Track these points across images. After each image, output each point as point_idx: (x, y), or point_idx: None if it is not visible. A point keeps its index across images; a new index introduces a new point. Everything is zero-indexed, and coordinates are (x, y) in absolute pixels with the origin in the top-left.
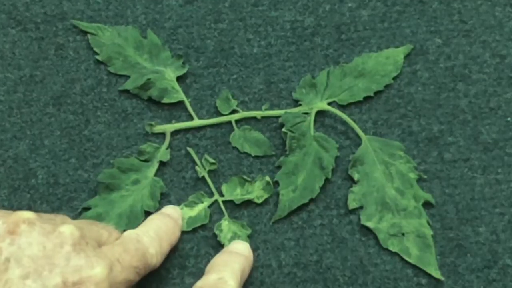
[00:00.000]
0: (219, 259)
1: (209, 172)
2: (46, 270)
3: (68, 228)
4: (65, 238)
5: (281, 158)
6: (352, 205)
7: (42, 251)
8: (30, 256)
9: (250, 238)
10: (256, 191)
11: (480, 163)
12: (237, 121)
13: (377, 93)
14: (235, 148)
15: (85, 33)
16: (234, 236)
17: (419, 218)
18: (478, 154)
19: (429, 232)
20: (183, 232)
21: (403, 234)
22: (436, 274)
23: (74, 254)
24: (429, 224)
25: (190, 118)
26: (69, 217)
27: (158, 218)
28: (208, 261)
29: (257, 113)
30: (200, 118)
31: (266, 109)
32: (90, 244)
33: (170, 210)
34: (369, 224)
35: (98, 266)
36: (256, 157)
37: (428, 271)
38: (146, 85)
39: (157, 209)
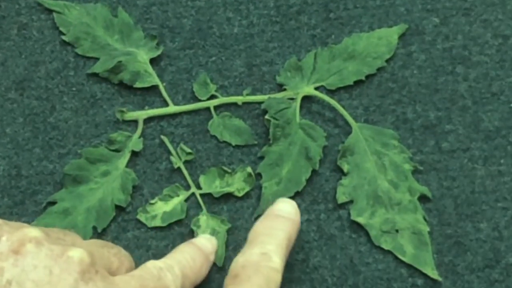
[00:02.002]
0: (262, 226)
1: (186, 162)
2: None
3: (77, 252)
4: (74, 264)
5: (264, 148)
6: (341, 199)
7: (48, 276)
8: (35, 281)
9: (230, 235)
10: (237, 184)
11: (481, 153)
12: (216, 108)
13: (369, 76)
14: (213, 136)
15: (50, 11)
16: (213, 233)
17: (414, 213)
18: (478, 143)
19: (425, 228)
20: (156, 229)
21: (397, 231)
22: (433, 274)
23: (82, 284)
24: (425, 219)
25: (165, 104)
26: (79, 236)
27: (188, 251)
28: None
29: (238, 99)
30: (175, 104)
31: (247, 94)
32: (100, 273)
33: (204, 241)
34: (360, 220)
35: None
36: (237, 146)
37: (424, 271)
38: (117, 68)
39: (129, 204)
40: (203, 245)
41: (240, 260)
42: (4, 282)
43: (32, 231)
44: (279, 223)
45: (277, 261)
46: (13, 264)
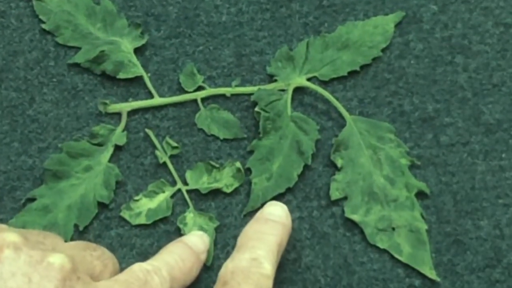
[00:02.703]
0: (252, 230)
1: (171, 157)
2: None
3: (58, 258)
4: (54, 271)
5: (254, 142)
6: (335, 195)
7: (27, 284)
8: None
9: (219, 233)
10: (225, 179)
11: (481, 147)
12: (203, 99)
13: (364, 67)
14: (201, 130)
15: None
16: (200, 231)
17: (411, 210)
18: (479, 137)
19: (423, 226)
20: (141, 227)
21: (393, 229)
22: (431, 274)
23: None
24: (423, 217)
25: (150, 95)
26: (60, 238)
27: (176, 251)
28: None
29: (226, 90)
30: (161, 96)
31: (236, 86)
32: (81, 280)
33: (195, 240)
34: (355, 217)
35: None
36: (225, 140)
37: (422, 270)
38: (99, 58)
39: (112, 200)
40: (194, 244)
41: (229, 266)
42: None
43: (10, 236)
44: (269, 228)
45: (267, 267)
46: None
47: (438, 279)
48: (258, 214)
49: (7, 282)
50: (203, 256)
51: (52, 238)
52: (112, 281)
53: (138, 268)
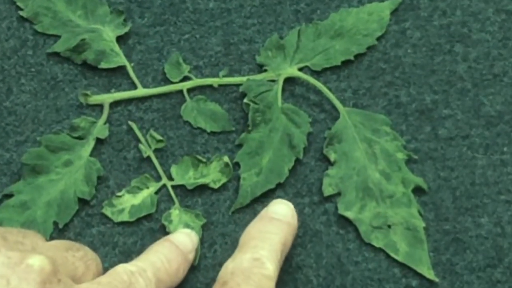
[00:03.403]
0: (255, 229)
1: (156, 151)
2: None
3: (38, 260)
4: (34, 274)
5: (243, 135)
6: (327, 191)
7: (5, 287)
8: None
9: (206, 231)
10: (212, 174)
11: (482, 141)
12: (189, 90)
13: (358, 56)
14: (187, 122)
15: None
16: (187, 228)
17: (408, 207)
18: (479, 130)
19: (420, 224)
20: (124, 224)
21: (389, 226)
22: (429, 274)
23: None
24: (420, 214)
25: (133, 86)
26: (41, 237)
27: (163, 251)
28: None
29: (214, 81)
30: (144, 86)
31: (224, 76)
32: (62, 282)
33: (182, 238)
34: (348, 214)
35: None
36: (212, 133)
37: (419, 270)
38: (80, 47)
39: (93, 196)
40: (181, 243)
41: (229, 266)
42: None
43: None
44: (273, 226)
45: (270, 268)
46: None
47: (437, 279)
48: (263, 212)
49: None
50: (191, 256)
51: (32, 237)
52: (95, 283)
53: (122, 269)
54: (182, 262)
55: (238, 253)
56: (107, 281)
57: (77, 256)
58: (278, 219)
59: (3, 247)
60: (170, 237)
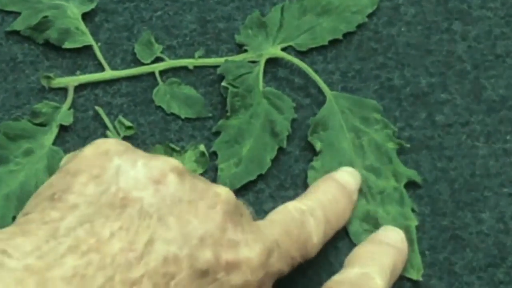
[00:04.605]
0: (363, 250)
1: (125, 139)
2: (195, 237)
3: (224, 190)
4: (221, 203)
5: (220, 122)
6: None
7: (194, 212)
8: (178, 217)
9: None
10: (187, 165)
11: (483, 128)
12: (162, 73)
13: (347, 35)
14: (159, 108)
15: None
16: None
17: (401, 206)
18: (480, 116)
19: (413, 223)
20: None
21: (377, 226)
22: (418, 276)
23: (231, 227)
24: (414, 210)
25: (100, 68)
26: None
27: (329, 190)
28: None
29: (189, 62)
30: (113, 68)
31: (200, 57)
32: (245, 217)
33: (347, 178)
34: None
35: (257, 247)
36: (187, 119)
37: (408, 275)
38: (42, 25)
39: None
40: (347, 182)
41: (335, 278)
42: (143, 215)
43: (171, 160)
44: (383, 249)
45: (379, 283)
46: (153, 195)
47: (420, 279)
48: (371, 237)
49: (173, 209)
50: (355, 196)
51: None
52: (270, 221)
53: (293, 207)
54: (348, 203)
55: (344, 269)
56: (280, 218)
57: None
58: (388, 243)
59: (189, 174)
60: (334, 175)
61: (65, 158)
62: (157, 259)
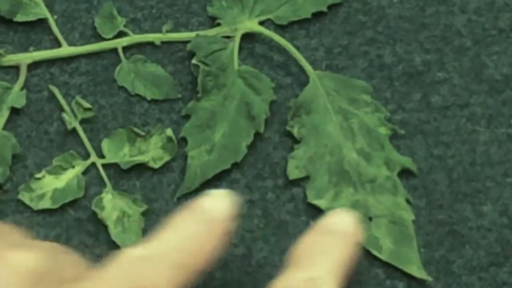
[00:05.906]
0: (309, 242)
1: (83, 122)
2: None
3: (26, 256)
4: (24, 269)
5: (191, 104)
6: (293, 174)
7: None
8: None
9: (147, 220)
10: (153, 151)
11: (484, 111)
12: (125, 49)
13: (332, 7)
14: (122, 88)
15: None
16: (122, 216)
17: (394, 195)
18: (481, 97)
19: (409, 216)
20: (45, 212)
21: (370, 219)
22: (420, 274)
23: None
24: (409, 202)
25: (57, 44)
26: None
27: (185, 226)
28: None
29: (155, 37)
30: (70, 44)
31: (168, 31)
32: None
33: (213, 203)
34: (320, 203)
35: None
36: (153, 101)
37: (408, 270)
38: None
39: (7, 179)
40: (212, 208)
41: (277, 285)
42: None
43: None
44: (332, 240)
45: None
46: None
47: (430, 279)
48: (318, 224)
49: None
50: (227, 226)
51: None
52: (97, 278)
53: (127, 258)
54: (212, 239)
55: (286, 271)
56: (111, 275)
57: (68, 259)
58: (338, 232)
59: None
60: (199, 200)
61: None
62: None
